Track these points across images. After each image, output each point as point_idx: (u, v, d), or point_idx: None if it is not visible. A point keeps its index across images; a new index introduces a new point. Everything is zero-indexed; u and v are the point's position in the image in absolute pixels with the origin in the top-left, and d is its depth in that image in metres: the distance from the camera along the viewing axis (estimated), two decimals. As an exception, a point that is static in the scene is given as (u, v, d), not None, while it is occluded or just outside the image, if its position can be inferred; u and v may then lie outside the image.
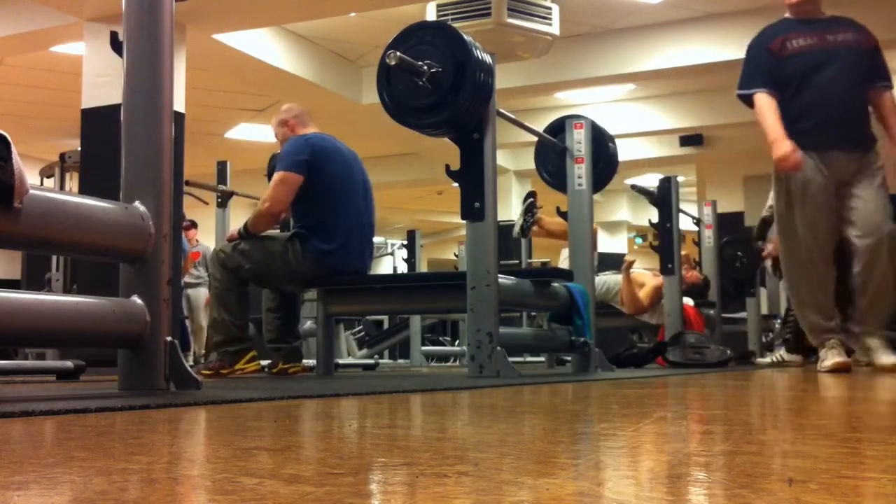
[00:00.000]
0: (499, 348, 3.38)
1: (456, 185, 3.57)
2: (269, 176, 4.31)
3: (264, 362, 4.24)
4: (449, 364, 9.60)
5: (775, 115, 4.02)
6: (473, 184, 3.50)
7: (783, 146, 3.93)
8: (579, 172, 4.60)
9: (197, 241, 9.59)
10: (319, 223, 4.08)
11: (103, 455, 0.95)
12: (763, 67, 4.12)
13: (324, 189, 4.09)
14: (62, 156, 6.62)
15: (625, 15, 7.96)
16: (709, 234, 7.27)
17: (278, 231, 4.59)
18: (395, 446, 1.04)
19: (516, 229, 6.15)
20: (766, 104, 4.05)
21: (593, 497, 0.67)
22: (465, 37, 3.44)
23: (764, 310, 8.57)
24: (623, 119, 10.07)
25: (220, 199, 6.21)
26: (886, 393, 2.38)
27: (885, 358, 3.89)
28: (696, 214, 7.46)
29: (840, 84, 4.05)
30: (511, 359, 3.46)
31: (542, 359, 7.05)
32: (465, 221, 3.55)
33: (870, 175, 4.06)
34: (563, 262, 6.06)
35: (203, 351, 6.08)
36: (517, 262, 7.73)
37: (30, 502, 0.66)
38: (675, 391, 2.51)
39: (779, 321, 7.62)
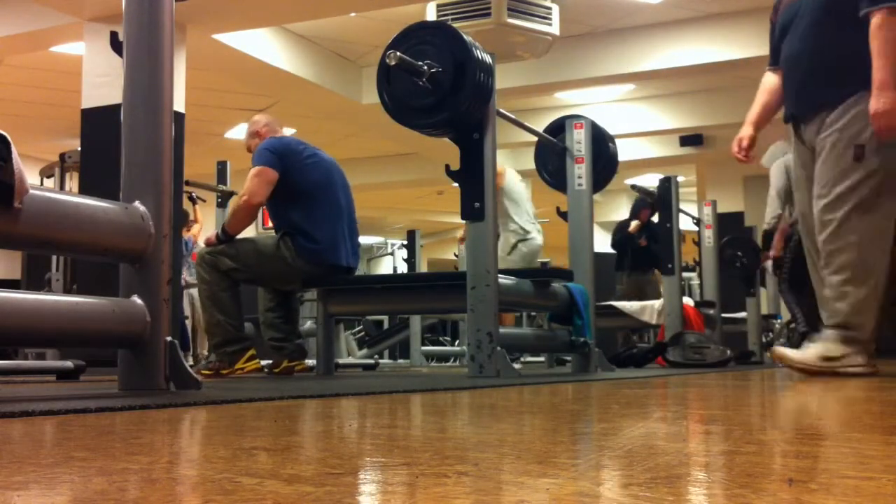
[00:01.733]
0: (499, 348, 3.38)
1: (456, 185, 3.57)
2: None
3: (264, 362, 4.24)
4: (449, 364, 9.60)
5: (758, 99, 3.67)
6: (473, 184, 3.50)
7: (741, 130, 3.64)
8: (579, 172, 4.60)
9: None
10: (303, 222, 4.11)
11: (103, 455, 0.95)
12: (770, 42, 3.70)
13: (302, 188, 4.13)
14: (62, 156, 6.62)
15: (625, 15, 7.95)
16: (709, 234, 7.28)
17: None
18: (395, 446, 1.04)
19: None
20: (760, 86, 3.71)
21: (593, 497, 0.67)
22: (465, 37, 3.44)
23: (764, 310, 8.57)
24: (623, 119, 10.07)
25: (220, 199, 6.21)
26: (886, 393, 2.38)
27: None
28: (696, 214, 7.46)
29: (799, 38, 3.39)
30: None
31: (541, 359, 7.05)
32: (465, 221, 3.55)
33: (830, 137, 3.27)
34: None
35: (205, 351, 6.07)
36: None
37: (30, 502, 0.66)
38: (675, 391, 2.51)
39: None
